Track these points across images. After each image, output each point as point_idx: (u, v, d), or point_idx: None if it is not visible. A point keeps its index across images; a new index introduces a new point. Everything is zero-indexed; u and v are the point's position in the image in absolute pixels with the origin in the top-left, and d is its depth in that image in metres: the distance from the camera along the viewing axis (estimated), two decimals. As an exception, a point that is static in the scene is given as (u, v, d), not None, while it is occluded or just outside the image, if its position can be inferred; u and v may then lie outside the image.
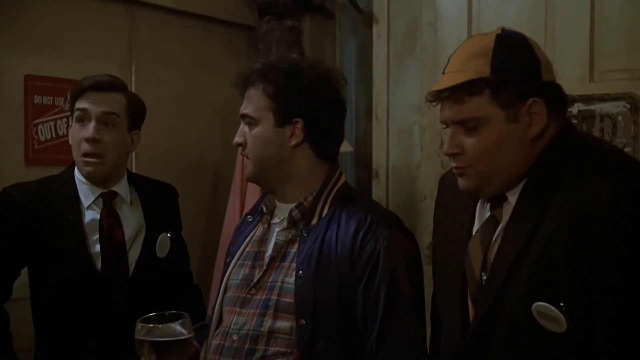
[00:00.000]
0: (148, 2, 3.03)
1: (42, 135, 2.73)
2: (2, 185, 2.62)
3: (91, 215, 2.05)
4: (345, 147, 3.41)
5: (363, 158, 3.56)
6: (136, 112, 2.11)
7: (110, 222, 2.04)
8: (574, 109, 2.51)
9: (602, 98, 2.49)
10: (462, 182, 1.44)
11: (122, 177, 2.12)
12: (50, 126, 2.75)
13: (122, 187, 2.10)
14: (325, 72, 1.75)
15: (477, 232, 1.45)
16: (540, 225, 1.32)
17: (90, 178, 2.05)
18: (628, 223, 1.24)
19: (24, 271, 2.66)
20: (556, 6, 2.62)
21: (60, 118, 2.78)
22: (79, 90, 2.03)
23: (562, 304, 1.27)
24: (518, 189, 1.40)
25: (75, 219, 2.01)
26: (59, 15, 2.78)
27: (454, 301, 1.48)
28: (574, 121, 2.52)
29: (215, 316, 1.75)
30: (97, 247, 2.01)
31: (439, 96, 1.41)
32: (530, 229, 1.33)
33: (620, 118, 2.46)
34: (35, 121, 2.70)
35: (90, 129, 1.98)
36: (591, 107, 2.51)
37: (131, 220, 2.09)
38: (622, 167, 1.32)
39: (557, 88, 1.41)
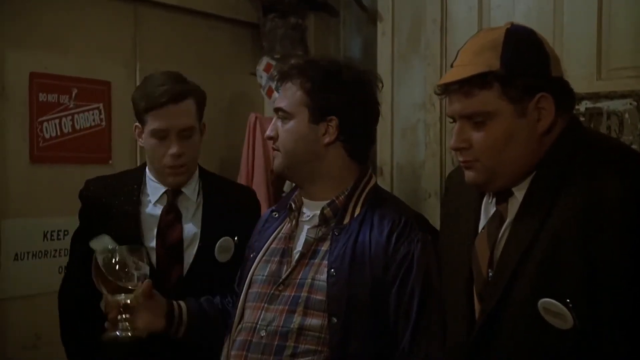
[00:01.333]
0: (153, 0, 3.03)
1: (47, 132, 2.73)
2: (7, 183, 2.63)
3: (152, 211, 2.02)
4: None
5: (367, 156, 3.56)
6: (203, 108, 2.09)
7: (169, 219, 2.01)
8: (582, 106, 2.50)
9: (609, 96, 2.48)
10: (469, 176, 1.43)
11: (193, 175, 2.08)
12: (55, 124, 2.75)
13: (189, 186, 2.06)
14: (363, 72, 1.75)
15: (483, 228, 1.45)
16: (547, 222, 1.31)
17: (173, 187, 2.03)
18: (636, 220, 1.23)
19: (24, 269, 2.69)
20: (564, 4, 2.62)
21: (65, 116, 2.78)
22: (154, 105, 1.95)
23: (568, 300, 1.26)
24: (525, 184, 1.39)
25: (133, 211, 2.00)
26: (64, 13, 2.79)
27: (460, 298, 1.48)
28: (582, 119, 2.52)
29: (237, 312, 1.75)
30: (153, 243, 1.98)
31: (447, 89, 1.40)
32: (537, 226, 1.32)
33: (627, 115, 2.46)
34: (40, 119, 2.71)
35: (173, 145, 1.95)
36: (598, 104, 2.50)
37: (194, 220, 2.04)
38: (629, 164, 1.31)
39: (565, 84, 1.40)
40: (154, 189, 2.04)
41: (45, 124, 2.72)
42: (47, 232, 2.72)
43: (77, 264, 2.03)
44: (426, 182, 3.18)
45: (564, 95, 1.39)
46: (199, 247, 1.99)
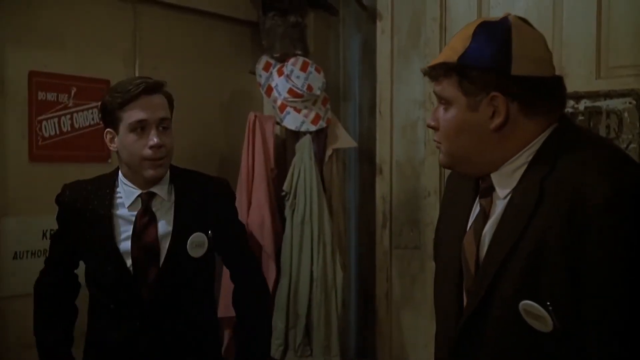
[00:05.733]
0: (152, -2, 3.03)
1: (46, 131, 2.72)
2: (6, 182, 2.63)
3: (126, 214, 2.06)
4: (349, 142, 3.42)
5: (367, 154, 3.56)
6: (172, 108, 2.12)
7: (145, 222, 2.04)
8: (581, 105, 2.51)
9: (609, 94, 2.49)
10: (439, 157, 1.49)
11: (165, 175, 2.11)
12: (54, 122, 2.75)
13: (162, 187, 2.08)
14: None
15: (471, 225, 1.46)
16: (532, 223, 1.31)
17: (153, 180, 2.05)
18: (621, 222, 1.23)
19: (23, 267, 2.68)
20: (564, 3, 2.62)
21: (65, 114, 2.78)
22: (129, 98, 1.99)
23: (548, 303, 1.26)
24: (508, 181, 1.39)
25: (106, 214, 2.05)
26: (63, 11, 2.78)
27: (450, 294, 1.49)
28: (581, 117, 2.52)
29: None
30: (127, 245, 2.03)
31: (426, 72, 1.47)
32: (522, 227, 1.32)
33: (626, 114, 2.46)
34: (40, 117, 2.70)
35: (153, 136, 1.99)
36: (597, 103, 2.50)
37: (167, 219, 2.08)
38: (615, 166, 1.30)
39: (533, 85, 1.37)
40: (127, 193, 2.07)
41: (44, 122, 2.72)
42: (46, 230, 2.71)
43: (54, 263, 2.20)
44: (426, 180, 3.18)
45: (531, 96, 1.37)
46: (170, 244, 2.04)
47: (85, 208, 2.07)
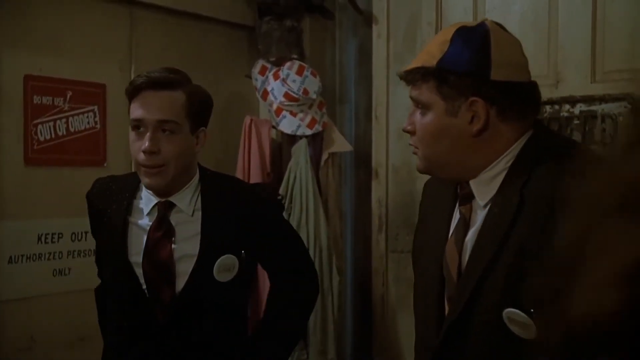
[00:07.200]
0: (148, 3, 3.02)
1: (41, 135, 2.72)
2: (1, 186, 2.62)
3: (143, 223, 1.83)
4: (345, 146, 3.42)
5: (363, 157, 3.56)
6: (199, 109, 1.83)
7: (157, 236, 1.81)
8: (576, 109, 2.51)
9: (604, 99, 2.49)
10: (417, 162, 1.47)
11: (187, 184, 1.85)
12: (49, 126, 2.75)
13: (182, 196, 1.83)
14: None
15: (452, 234, 1.46)
16: (512, 232, 1.31)
17: (150, 189, 1.82)
18: None
19: (19, 271, 2.66)
20: (559, 7, 2.62)
21: (60, 118, 2.77)
22: (133, 90, 1.77)
23: (532, 310, 1.26)
24: (487, 189, 1.39)
25: (121, 223, 1.83)
26: (59, 15, 2.78)
27: (431, 301, 1.48)
28: (576, 121, 2.52)
29: None
30: (139, 258, 1.81)
31: (402, 76, 1.46)
32: (502, 236, 1.32)
33: (621, 118, 2.46)
34: (35, 121, 2.70)
35: (146, 140, 1.73)
36: (593, 107, 2.51)
37: (189, 237, 1.82)
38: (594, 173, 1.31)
39: (511, 90, 1.37)
40: (147, 200, 1.85)
41: (39, 126, 2.71)
42: (42, 234, 2.71)
43: (99, 264, 2.01)
44: (422, 184, 3.17)
45: (510, 102, 1.37)
46: (194, 267, 1.79)
47: (105, 210, 1.87)
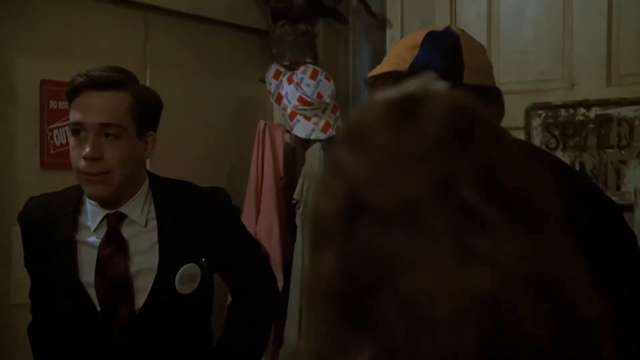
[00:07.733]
0: (162, 7, 3.04)
1: (57, 140, 2.74)
2: (17, 190, 2.64)
3: (92, 239, 1.69)
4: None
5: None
6: (148, 111, 1.70)
7: (108, 252, 1.66)
8: (591, 113, 2.50)
9: (620, 102, 2.48)
10: None
11: (136, 193, 1.71)
12: (65, 131, 2.76)
13: (133, 206, 1.69)
14: None
15: None
16: None
17: (94, 199, 1.67)
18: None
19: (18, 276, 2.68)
20: (574, 11, 2.61)
21: (76, 123, 2.80)
22: (71, 90, 1.63)
23: None
24: None
25: (68, 240, 1.69)
26: (74, 20, 2.80)
27: None
28: (591, 125, 2.51)
29: None
30: (91, 277, 1.66)
31: (367, 81, 1.45)
32: None
33: (637, 122, 2.45)
34: (51, 126, 2.72)
35: (87, 145, 1.60)
36: (608, 111, 2.49)
37: (144, 248, 1.70)
38: (567, 178, 1.33)
39: (482, 93, 1.35)
40: (93, 214, 1.69)
41: (55, 131, 2.73)
42: (57, 238, 2.72)
43: (33, 299, 1.88)
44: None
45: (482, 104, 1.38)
46: (154, 281, 1.67)
47: (47, 229, 1.71)
